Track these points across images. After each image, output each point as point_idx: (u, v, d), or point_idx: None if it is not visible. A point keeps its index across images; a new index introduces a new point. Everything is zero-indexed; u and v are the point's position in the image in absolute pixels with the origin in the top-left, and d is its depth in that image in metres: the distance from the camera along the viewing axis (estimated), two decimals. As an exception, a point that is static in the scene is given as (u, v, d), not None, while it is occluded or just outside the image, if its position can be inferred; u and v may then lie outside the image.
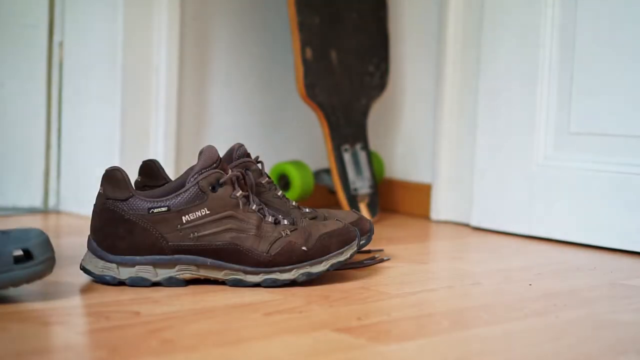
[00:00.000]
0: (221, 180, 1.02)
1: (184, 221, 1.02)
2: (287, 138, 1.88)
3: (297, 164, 1.69)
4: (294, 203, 1.19)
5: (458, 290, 1.10)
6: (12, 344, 0.81)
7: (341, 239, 1.07)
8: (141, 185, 1.11)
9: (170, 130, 1.65)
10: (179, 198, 1.02)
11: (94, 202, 1.04)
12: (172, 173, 1.64)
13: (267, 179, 1.18)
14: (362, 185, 1.69)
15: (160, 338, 0.82)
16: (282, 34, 1.83)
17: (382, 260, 1.25)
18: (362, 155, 1.71)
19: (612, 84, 1.44)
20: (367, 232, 1.23)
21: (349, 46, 1.72)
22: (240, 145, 1.17)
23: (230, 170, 1.05)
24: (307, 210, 1.20)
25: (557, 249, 1.45)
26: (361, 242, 1.22)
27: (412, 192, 1.83)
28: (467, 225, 1.68)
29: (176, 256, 1.02)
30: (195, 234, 1.02)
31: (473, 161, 1.66)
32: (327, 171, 1.72)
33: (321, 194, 1.84)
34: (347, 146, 1.68)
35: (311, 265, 1.05)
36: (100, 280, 1.03)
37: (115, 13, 1.59)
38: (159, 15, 1.62)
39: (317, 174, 1.74)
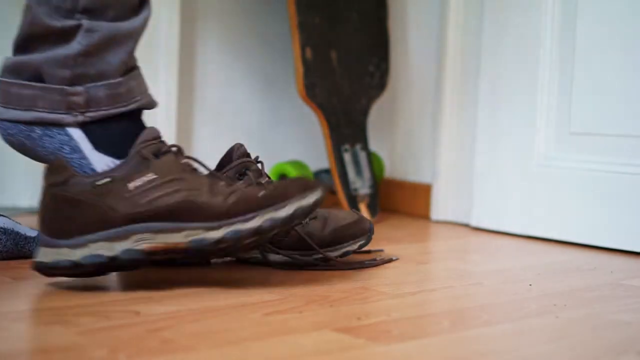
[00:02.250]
0: (163, 149, 0.99)
1: (131, 188, 0.96)
2: (287, 138, 1.88)
3: (297, 164, 1.69)
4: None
5: (458, 291, 1.10)
6: (12, 344, 0.81)
7: (300, 184, 1.00)
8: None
9: (170, 130, 1.65)
10: (122, 168, 0.97)
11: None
12: (172, 173, 1.64)
13: (267, 179, 1.18)
14: (362, 185, 1.69)
15: (160, 338, 0.82)
16: (282, 34, 1.83)
17: (390, 260, 1.25)
18: (362, 156, 1.71)
19: (612, 84, 1.44)
20: (367, 233, 1.23)
21: (349, 46, 1.72)
22: (240, 146, 1.17)
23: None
24: (307, 210, 1.20)
25: (557, 249, 1.45)
26: (361, 243, 1.22)
27: (412, 192, 1.83)
28: (467, 225, 1.68)
29: (130, 226, 0.96)
30: (146, 198, 0.96)
31: (473, 161, 1.66)
32: (327, 171, 1.72)
33: (321, 194, 1.84)
34: (347, 146, 1.68)
35: (275, 209, 0.97)
36: (56, 267, 0.97)
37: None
38: (159, 15, 1.62)
39: (317, 174, 1.74)
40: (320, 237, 1.19)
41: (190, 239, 0.97)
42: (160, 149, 0.99)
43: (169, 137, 1.64)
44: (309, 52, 1.63)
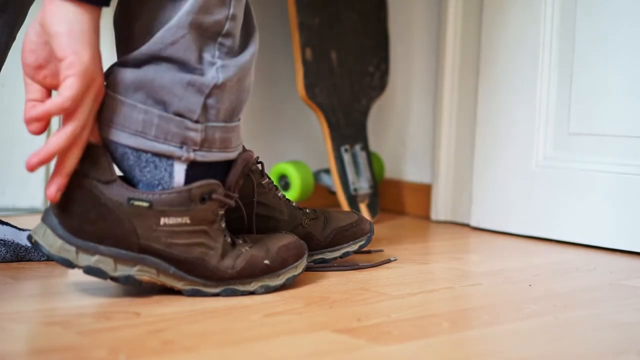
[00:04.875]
0: (214, 195, 0.98)
1: (162, 223, 0.95)
2: (287, 138, 1.88)
3: (297, 164, 1.69)
4: (294, 204, 1.20)
5: (458, 291, 1.10)
6: (12, 344, 0.81)
7: (296, 253, 1.06)
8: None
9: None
10: (166, 197, 0.95)
11: None
12: (172, 173, 1.64)
13: (267, 179, 1.18)
14: (362, 185, 1.69)
15: (161, 339, 0.82)
16: (282, 34, 1.83)
17: (389, 261, 1.26)
18: (362, 156, 1.71)
19: (612, 84, 1.44)
20: (367, 233, 1.23)
21: (349, 46, 1.72)
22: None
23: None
24: (308, 210, 1.20)
25: (557, 249, 1.45)
26: (361, 243, 1.22)
27: (412, 192, 1.83)
28: (467, 225, 1.68)
29: (142, 255, 0.96)
30: (168, 239, 0.96)
31: (473, 161, 1.66)
32: (327, 171, 1.72)
33: (321, 194, 1.84)
34: (347, 146, 1.68)
35: (270, 278, 1.03)
36: (55, 259, 0.95)
37: (115, 13, 1.59)
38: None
39: (317, 174, 1.74)
40: (320, 238, 1.19)
41: (187, 287, 0.99)
42: (212, 191, 0.98)
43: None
44: (309, 53, 1.63)
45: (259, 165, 1.18)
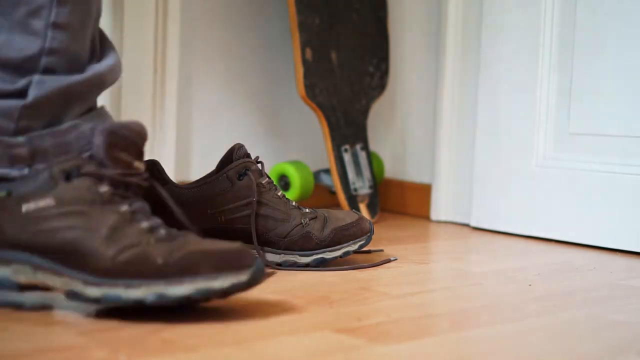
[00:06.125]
0: (83, 170, 0.85)
1: (24, 210, 0.84)
2: (287, 138, 1.88)
3: (297, 164, 1.69)
4: (294, 203, 1.20)
5: (458, 291, 1.10)
6: (12, 344, 0.81)
7: (214, 264, 0.83)
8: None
9: (170, 131, 1.65)
10: (26, 182, 0.85)
11: None
12: (172, 174, 1.64)
13: (267, 179, 1.18)
14: (362, 185, 1.69)
15: (161, 338, 0.82)
16: (282, 34, 1.83)
17: (389, 260, 1.26)
18: (362, 156, 1.71)
19: (612, 85, 1.44)
20: (367, 232, 1.23)
21: (349, 46, 1.72)
22: (241, 146, 1.17)
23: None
24: (307, 210, 1.20)
25: (557, 249, 1.45)
26: (361, 243, 1.22)
27: (412, 192, 1.83)
28: (467, 225, 1.68)
29: (13, 252, 0.85)
30: (35, 227, 0.84)
31: (473, 161, 1.66)
32: (327, 171, 1.72)
33: (321, 194, 1.84)
34: (347, 146, 1.68)
35: (167, 284, 0.83)
36: None
37: (115, 14, 1.59)
38: (160, 16, 1.62)
39: (317, 174, 1.74)
40: (320, 238, 1.19)
41: (67, 288, 0.86)
42: (79, 167, 0.85)
43: (169, 137, 1.64)
44: (309, 53, 1.63)
45: (259, 165, 1.18)
